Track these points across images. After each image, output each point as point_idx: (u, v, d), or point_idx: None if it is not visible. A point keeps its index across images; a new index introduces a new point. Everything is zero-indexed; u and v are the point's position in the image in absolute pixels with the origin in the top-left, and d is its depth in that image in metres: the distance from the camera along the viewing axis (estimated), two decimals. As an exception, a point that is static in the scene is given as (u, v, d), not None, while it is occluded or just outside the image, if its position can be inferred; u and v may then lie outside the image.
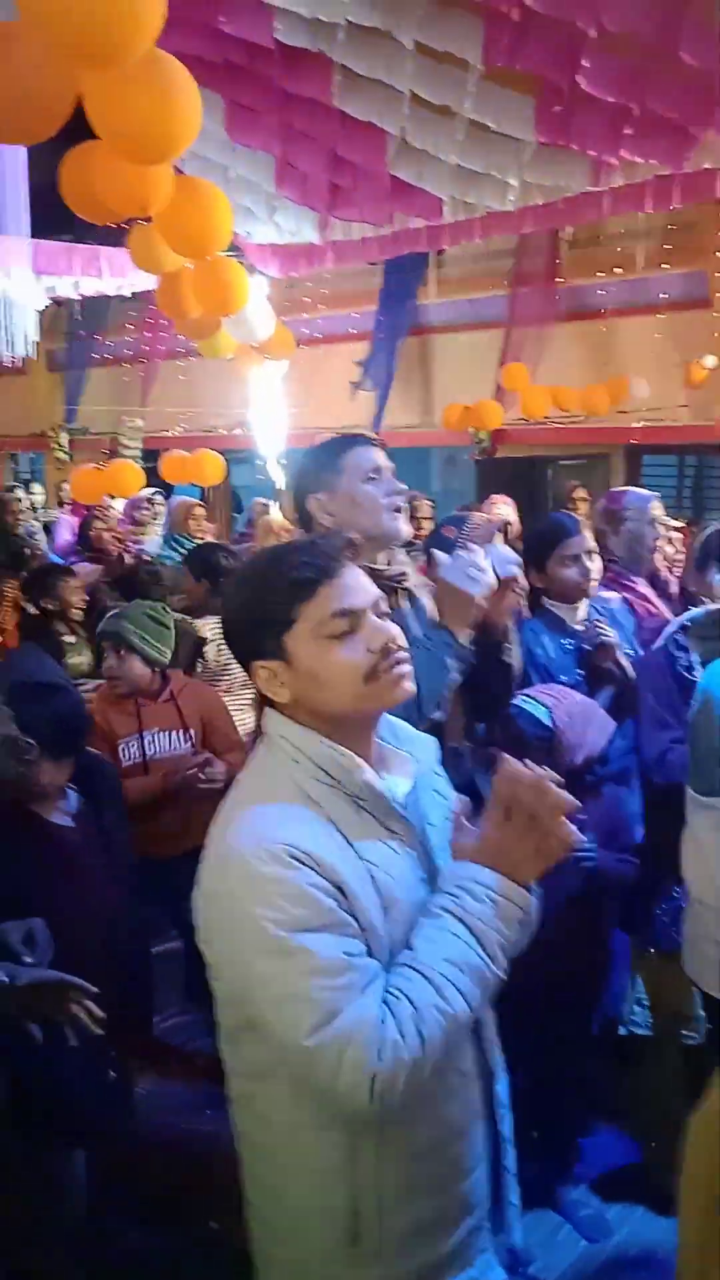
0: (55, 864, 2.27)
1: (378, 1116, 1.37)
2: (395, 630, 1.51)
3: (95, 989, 1.94)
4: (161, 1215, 2.35)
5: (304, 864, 1.38)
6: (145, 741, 3.42)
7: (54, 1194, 1.92)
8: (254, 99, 5.57)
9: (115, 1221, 2.15)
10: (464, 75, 4.76)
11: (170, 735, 3.48)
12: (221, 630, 1.66)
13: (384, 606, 1.52)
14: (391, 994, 1.37)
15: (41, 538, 8.18)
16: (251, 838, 1.40)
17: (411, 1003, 1.36)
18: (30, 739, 2.14)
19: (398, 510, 2.30)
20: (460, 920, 1.39)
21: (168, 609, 3.70)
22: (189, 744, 3.48)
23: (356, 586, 1.49)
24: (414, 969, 1.39)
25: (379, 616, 1.50)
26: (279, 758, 1.50)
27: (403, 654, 1.50)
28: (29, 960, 1.91)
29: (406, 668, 1.50)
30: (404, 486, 2.34)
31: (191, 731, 3.51)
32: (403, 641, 1.51)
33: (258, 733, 1.58)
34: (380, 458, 2.32)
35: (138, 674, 3.42)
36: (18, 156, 7.00)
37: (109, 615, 3.44)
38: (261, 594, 1.50)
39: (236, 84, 5.38)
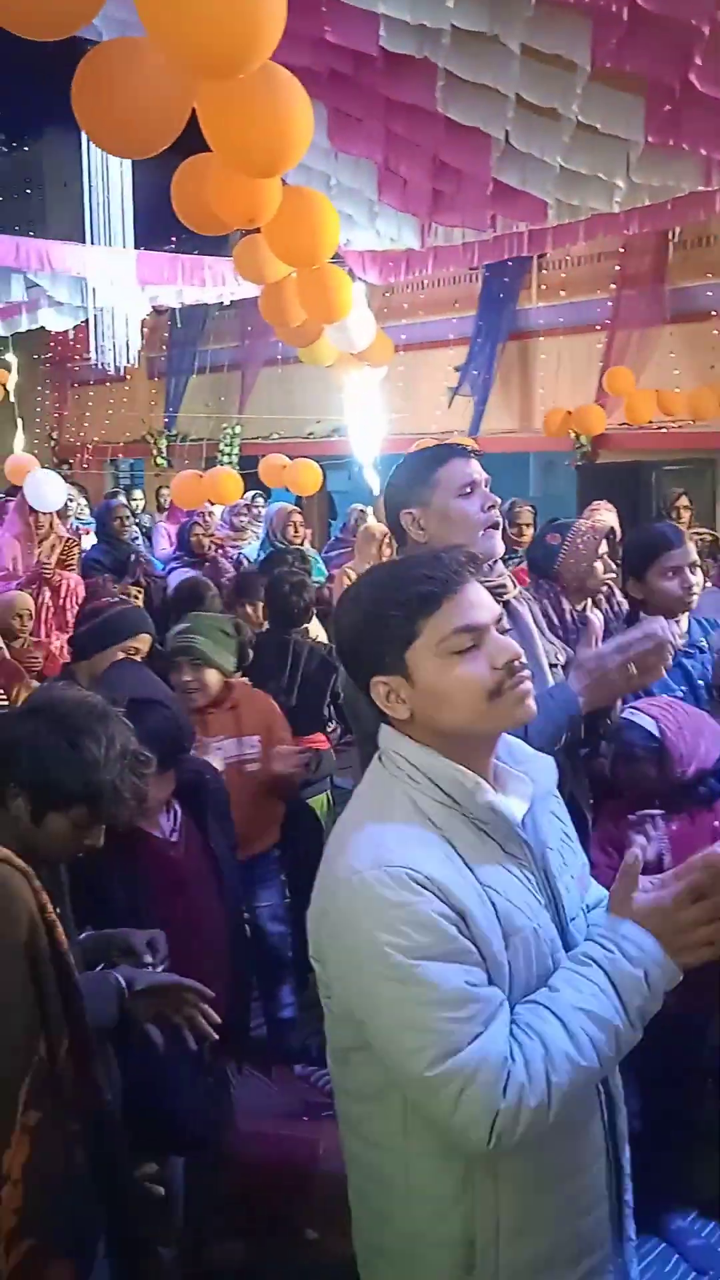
0: (158, 879, 2.29)
1: (493, 1154, 1.34)
2: (519, 648, 1.47)
3: (212, 993, 1.95)
4: (257, 1223, 2.35)
5: (426, 889, 1.34)
6: (212, 749, 3.46)
7: (153, 1201, 1.93)
8: (357, 106, 5.59)
9: (212, 1229, 2.15)
10: (571, 77, 4.69)
11: (237, 743, 3.52)
12: (336, 646, 1.61)
13: (506, 623, 1.49)
14: (523, 1032, 1.34)
15: (143, 543, 8.33)
16: (371, 859, 1.38)
17: (544, 1045, 1.33)
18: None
19: (493, 526, 2.22)
20: (609, 977, 1.36)
21: (231, 619, 3.73)
22: (253, 750, 3.51)
23: (480, 602, 1.46)
24: (551, 1011, 1.35)
25: (501, 633, 1.47)
26: (396, 776, 1.47)
27: (526, 672, 1.46)
28: (150, 964, 1.94)
29: (529, 686, 1.46)
30: (498, 500, 2.26)
31: (257, 737, 3.54)
32: (526, 660, 1.47)
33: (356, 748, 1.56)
34: (475, 470, 2.23)
35: (214, 686, 3.44)
36: (123, 170, 7.17)
37: (177, 631, 3.45)
38: (382, 608, 1.46)
39: (340, 92, 5.40)
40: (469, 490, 2.20)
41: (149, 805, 2.34)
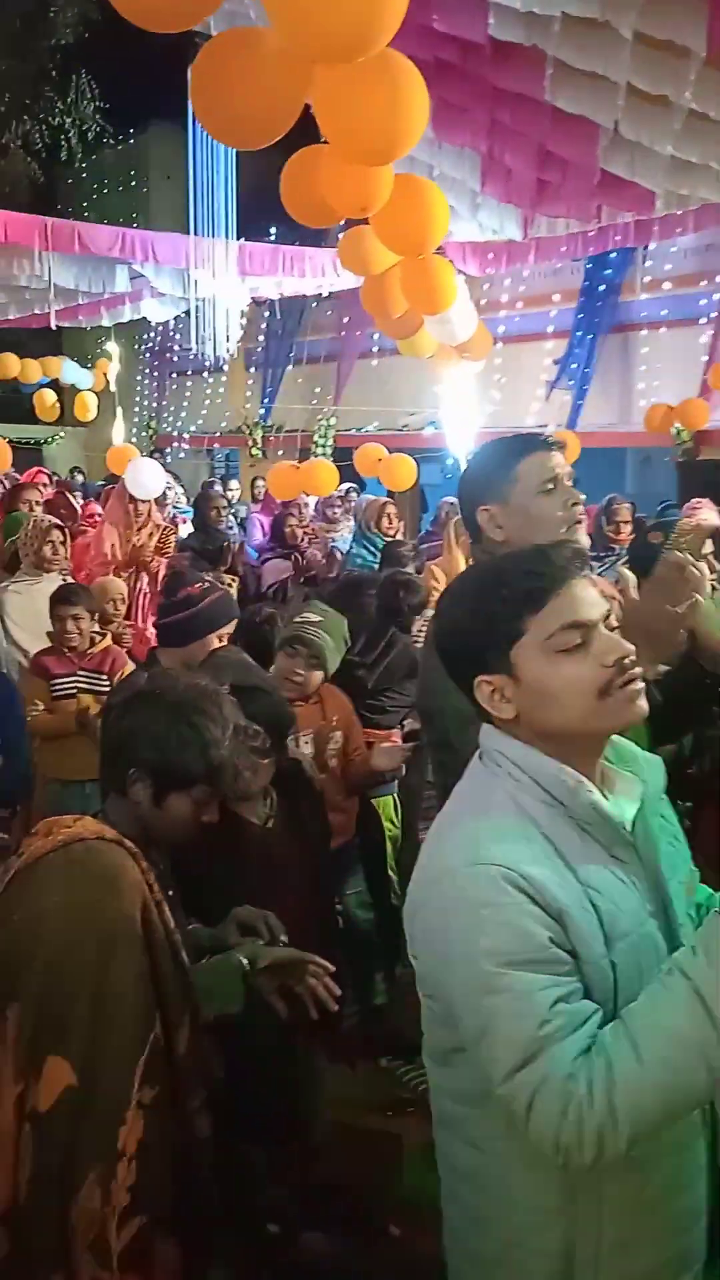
0: (255, 864, 2.31)
1: (573, 1171, 1.30)
2: (629, 645, 1.42)
3: (332, 966, 1.98)
4: (341, 1216, 2.35)
5: (521, 890, 1.31)
6: (301, 742, 3.47)
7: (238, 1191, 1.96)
8: (463, 96, 5.53)
9: (293, 1220, 2.16)
10: (684, 64, 4.58)
11: (321, 737, 3.52)
12: (437, 643, 1.57)
13: (615, 620, 1.44)
14: (596, 1050, 1.26)
15: (238, 532, 8.41)
16: (466, 855, 1.35)
17: (609, 1065, 1.25)
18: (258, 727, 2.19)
19: (577, 523, 2.05)
20: (693, 986, 1.24)
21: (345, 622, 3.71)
22: (335, 745, 3.51)
23: (588, 598, 1.41)
24: (625, 1027, 1.28)
25: (609, 630, 1.43)
26: (497, 775, 1.44)
27: (638, 670, 1.41)
28: (267, 942, 1.98)
29: (641, 685, 1.41)
30: (582, 497, 2.09)
31: (338, 733, 3.53)
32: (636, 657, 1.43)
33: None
34: (558, 464, 2.07)
35: (315, 683, 3.44)
36: (228, 162, 7.24)
37: (308, 623, 3.43)
38: (487, 605, 1.42)
39: (446, 82, 5.35)
40: (551, 486, 2.04)
41: (252, 790, 2.36)
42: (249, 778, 1.85)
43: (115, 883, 1.66)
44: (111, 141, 17.06)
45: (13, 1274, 1.60)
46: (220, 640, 3.01)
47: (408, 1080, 3.14)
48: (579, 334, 11.28)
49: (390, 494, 8.82)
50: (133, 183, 17.65)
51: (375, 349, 13.13)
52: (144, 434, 17.39)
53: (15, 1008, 1.61)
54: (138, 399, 17.80)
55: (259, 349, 15.64)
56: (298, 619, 3.44)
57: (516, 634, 1.40)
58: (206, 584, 3.09)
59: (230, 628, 3.10)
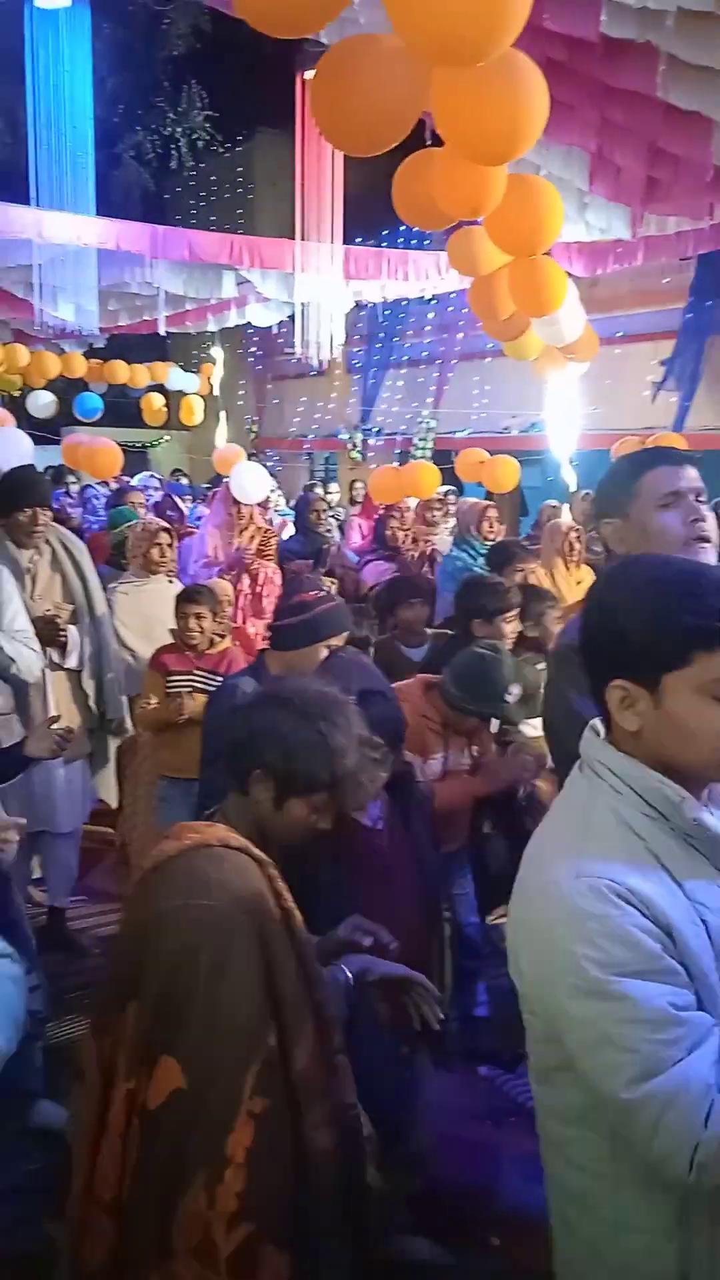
0: (364, 865, 2.32)
1: (696, 1187, 1.26)
2: None
3: (439, 991, 1.98)
4: (440, 1224, 2.33)
5: (628, 903, 1.29)
6: (450, 758, 3.46)
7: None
8: (572, 95, 5.45)
9: (395, 1225, 2.15)
10: None
11: (466, 752, 3.51)
12: (584, 636, 1.49)
13: None
14: None
15: (338, 535, 8.46)
16: (570, 870, 1.34)
17: None
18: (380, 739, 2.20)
19: (700, 540, 1.97)
20: None
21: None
22: (466, 763, 3.49)
23: None
24: None
25: None
26: (599, 787, 1.41)
27: None
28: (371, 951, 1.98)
29: None
30: (708, 512, 2.01)
31: (476, 748, 3.51)
32: None
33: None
34: (685, 478, 2.00)
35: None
36: (335, 167, 7.29)
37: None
38: (660, 620, 1.36)
39: (555, 81, 5.25)
40: (670, 500, 1.98)
41: (369, 799, 2.37)
42: (368, 788, 1.86)
43: (235, 892, 1.68)
44: (222, 150, 17.35)
45: (119, 1263, 1.63)
46: (328, 650, 3.01)
47: (509, 1091, 3.10)
48: (687, 334, 11.03)
49: (490, 496, 8.76)
50: (239, 189, 17.92)
51: (477, 351, 13.05)
52: (245, 438, 17.63)
53: (134, 1005, 1.64)
54: (239, 403, 18.06)
55: (359, 352, 15.71)
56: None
57: (680, 664, 1.35)
58: (322, 593, 3.11)
59: (340, 639, 3.10)
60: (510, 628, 4.00)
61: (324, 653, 2.98)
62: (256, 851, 1.72)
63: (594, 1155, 1.39)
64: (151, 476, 10.59)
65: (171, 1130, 1.59)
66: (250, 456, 13.46)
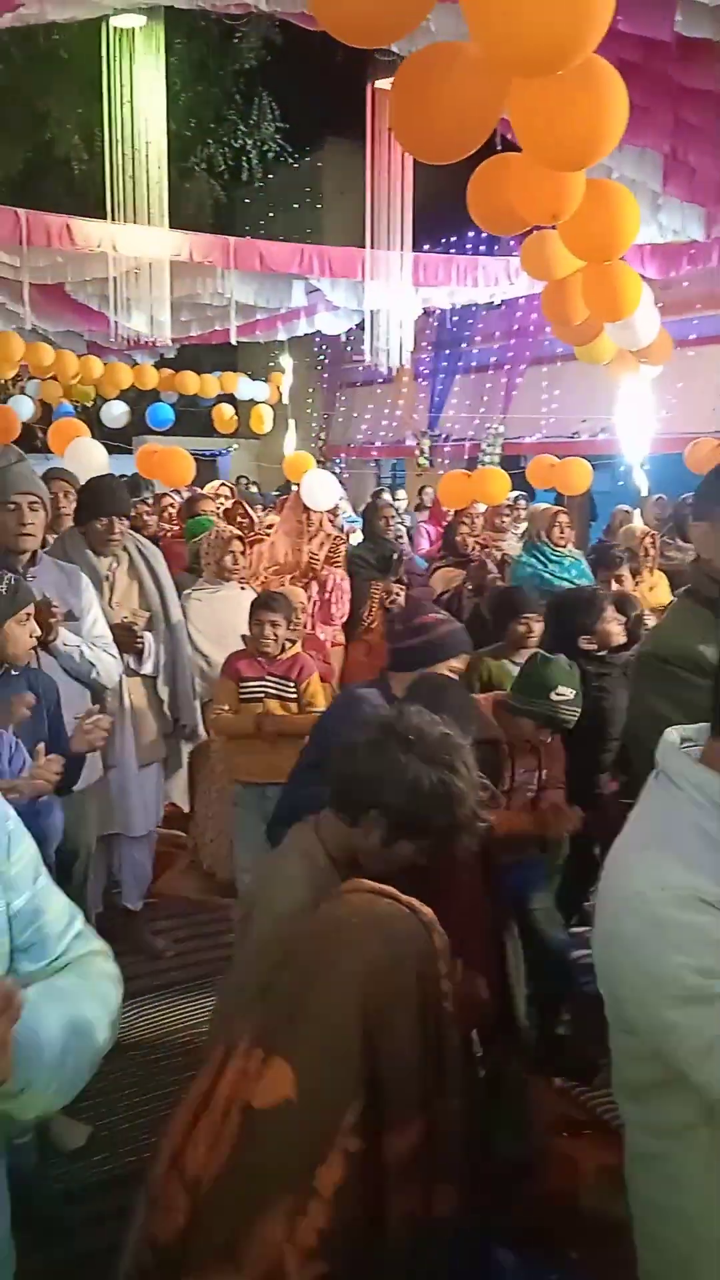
0: (434, 873, 2.31)
1: None
2: None
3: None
4: (519, 1235, 2.31)
5: (716, 907, 1.28)
6: (517, 775, 3.43)
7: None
8: (646, 96, 5.41)
9: (471, 1238, 2.13)
10: None
11: (534, 775, 3.48)
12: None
13: None
14: None
15: (406, 542, 8.46)
16: (654, 881, 1.33)
17: None
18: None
19: None
20: None
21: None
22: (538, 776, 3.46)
23: None
24: None
25: None
26: (677, 797, 1.41)
27: None
28: None
29: None
30: None
31: (544, 771, 3.48)
32: None
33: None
34: None
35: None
36: (405, 174, 7.31)
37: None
38: None
39: (629, 82, 5.24)
40: None
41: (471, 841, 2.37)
42: (476, 832, 1.88)
43: (420, 955, 1.66)
44: (291, 160, 17.51)
45: (184, 1248, 1.62)
46: (450, 672, 3.00)
47: (588, 1102, 3.06)
48: (762, 336, 10.85)
49: (560, 500, 8.69)
50: (307, 199, 18.06)
51: (546, 356, 12.98)
52: (313, 445, 17.74)
53: (273, 996, 1.65)
54: (308, 411, 18.18)
55: (427, 358, 15.70)
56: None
57: None
58: (443, 616, 3.11)
59: (461, 661, 3.07)
60: (615, 630, 3.99)
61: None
62: (426, 914, 1.70)
63: (688, 1170, 1.38)
64: (222, 484, 10.69)
65: (269, 1139, 1.58)
66: (318, 464, 13.56)
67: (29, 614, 2.86)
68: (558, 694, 3.26)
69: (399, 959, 1.65)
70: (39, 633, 2.99)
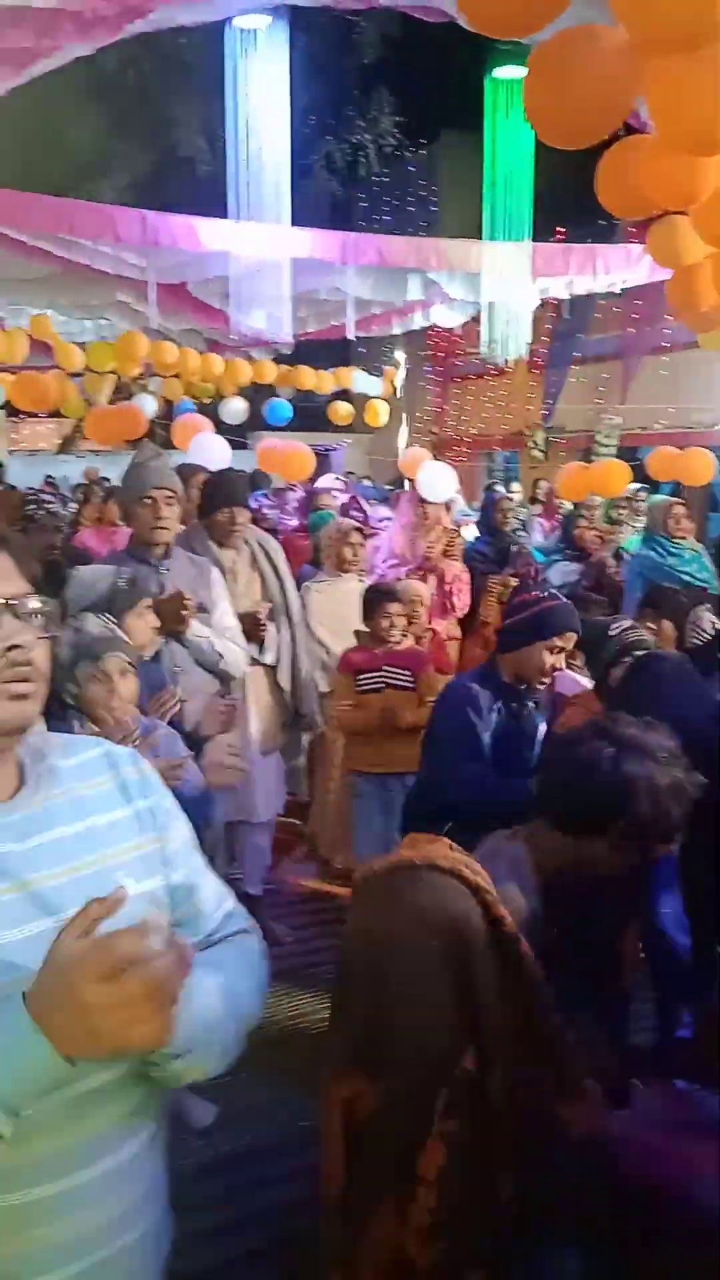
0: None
1: None
2: None
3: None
4: (589, 1243, 2.27)
5: None
6: None
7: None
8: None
9: (543, 1245, 2.10)
10: None
11: None
12: None
13: None
14: None
15: (524, 536, 8.39)
16: None
17: None
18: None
19: None
20: None
21: None
22: None
23: None
24: None
25: None
26: None
27: None
28: None
29: None
30: None
31: None
32: None
33: None
34: None
35: None
36: (525, 166, 7.24)
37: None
38: None
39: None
40: None
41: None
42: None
43: (427, 914, 1.65)
44: (405, 153, 17.51)
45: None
46: (553, 651, 2.96)
47: (709, 1106, 2.99)
48: None
49: (678, 492, 8.50)
50: (423, 191, 18.03)
51: (666, 344, 12.68)
52: (426, 439, 17.72)
53: (350, 1010, 1.69)
54: (421, 404, 18.17)
55: (542, 349, 15.51)
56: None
57: None
58: (545, 595, 3.07)
59: (566, 640, 3.02)
60: None
61: (546, 654, 2.92)
62: (468, 874, 1.68)
63: None
64: (336, 479, 10.79)
65: (363, 1152, 1.62)
66: (437, 458, 13.53)
67: (148, 606, 2.96)
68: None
69: (406, 933, 1.65)
70: (157, 624, 3.09)
